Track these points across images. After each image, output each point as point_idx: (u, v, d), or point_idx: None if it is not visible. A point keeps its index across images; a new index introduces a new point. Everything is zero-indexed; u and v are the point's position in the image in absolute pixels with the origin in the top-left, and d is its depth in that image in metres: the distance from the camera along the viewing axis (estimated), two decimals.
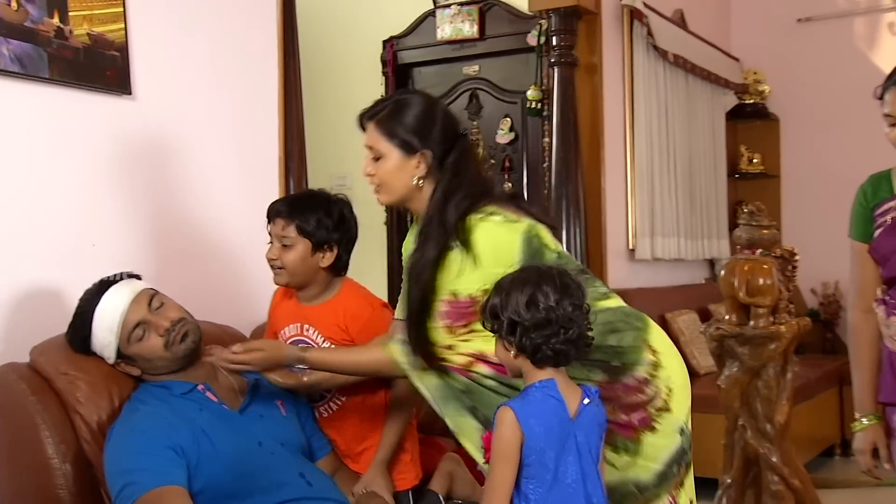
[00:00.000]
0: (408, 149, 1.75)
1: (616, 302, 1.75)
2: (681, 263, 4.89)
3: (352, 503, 1.90)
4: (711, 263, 5.28)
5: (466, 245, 1.66)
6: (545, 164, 4.06)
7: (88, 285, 1.91)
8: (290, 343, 2.02)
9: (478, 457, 1.69)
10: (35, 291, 2.10)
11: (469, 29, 4.50)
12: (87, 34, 2.20)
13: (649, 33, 4.34)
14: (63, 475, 1.78)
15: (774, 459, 2.67)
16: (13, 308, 2.05)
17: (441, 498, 2.01)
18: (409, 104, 1.78)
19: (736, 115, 5.41)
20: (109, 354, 1.87)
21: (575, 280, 1.55)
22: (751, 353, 2.68)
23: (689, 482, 1.70)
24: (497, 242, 1.67)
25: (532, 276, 1.54)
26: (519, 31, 4.29)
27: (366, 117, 1.80)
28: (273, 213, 2.04)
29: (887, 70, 2.00)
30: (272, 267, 2.03)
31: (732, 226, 4.47)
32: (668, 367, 1.66)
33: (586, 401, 1.54)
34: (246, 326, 2.44)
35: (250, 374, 1.93)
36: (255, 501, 1.76)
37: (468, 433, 1.71)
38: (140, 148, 2.38)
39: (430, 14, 4.65)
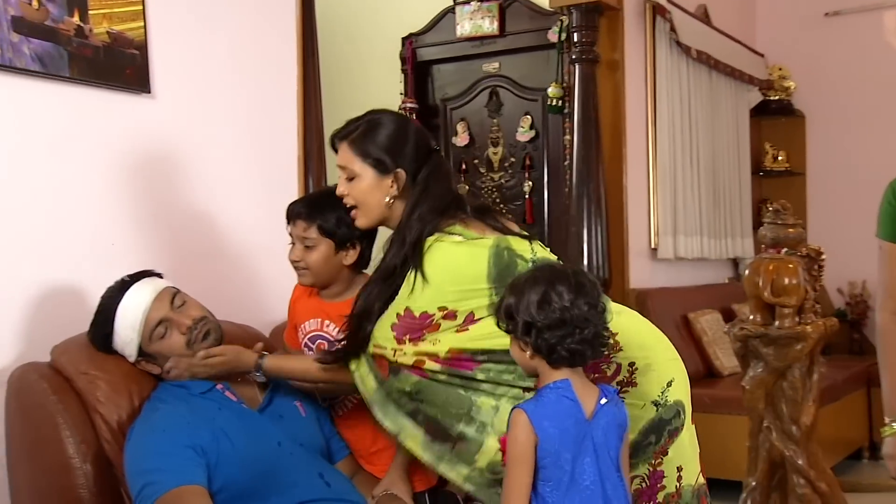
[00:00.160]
0: (381, 168, 1.79)
1: None
2: (704, 262, 4.83)
3: None
4: (735, 263, 5.22)
5: (418, 266, 1.69)
6: (566, 162, 4.02)
7: (108, 285, 1.91)
8: (309, 338, 2.02)
9: (422, 455, 1.72)
10: (55, 291, 2.10)
11: (489, 25, 4.46)
12: (107, 32, 2.21)
13: (672, 29, 4.29)
14: (84, 475, 1.79)
15: (800, 462, 2.63)
16: (34, 307, 2.06)
17: (460, 499, 1.99)
18: (381, 123, 1.82)
19: (761, 112, 5.34)
20: (131, 352, 1.88)
21: (591, 279, 1.54)
22: (776, 354, 2.64)
23: (678, 450, 1.68)
24: (455, 263, 1.70)
25: (546, 275, 1.52)
26: (540, 28, 4.25)
27: (338, 137, 1.85)
28: (293, 214, 2.01)
29: None
30: (296, 268, 2.02)
31: (757, 224, 4.40)
32: (629, 348, 1.67)
33: (604, 400, 1.52)
34: (265, 326, 2.43)
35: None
36: (273, 501, 1.76)
37: (410, 433, 1.73)
38: (159, 146, 2.38)
39: (450, 11, 4.62)
